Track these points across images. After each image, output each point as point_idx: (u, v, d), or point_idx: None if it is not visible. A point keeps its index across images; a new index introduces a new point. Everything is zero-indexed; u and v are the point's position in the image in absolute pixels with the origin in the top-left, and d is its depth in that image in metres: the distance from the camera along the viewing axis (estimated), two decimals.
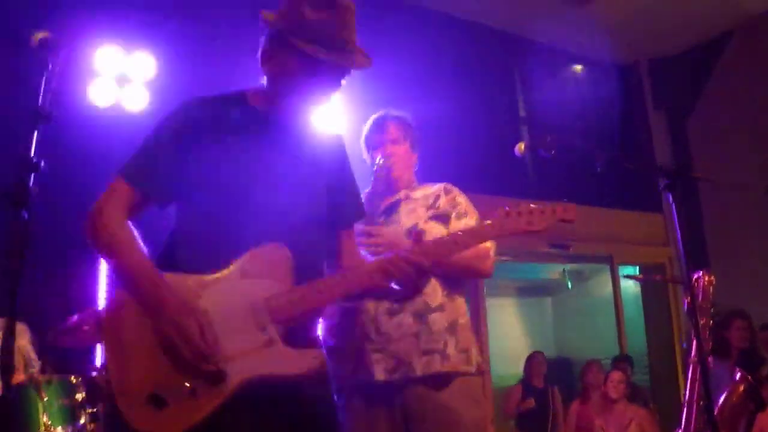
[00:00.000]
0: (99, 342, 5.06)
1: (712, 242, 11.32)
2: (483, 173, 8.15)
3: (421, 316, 3.52)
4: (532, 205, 2.68)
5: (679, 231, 3.74)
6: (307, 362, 2.39)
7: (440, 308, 3.57)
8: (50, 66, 2.31)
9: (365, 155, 3.94)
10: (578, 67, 11.71)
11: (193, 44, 6.96)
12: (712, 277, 5.02)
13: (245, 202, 2.48)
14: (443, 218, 3.72)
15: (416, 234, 2.67)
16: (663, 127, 11.94)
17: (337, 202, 2.72)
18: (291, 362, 2.37)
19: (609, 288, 11.21)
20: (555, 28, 10.55)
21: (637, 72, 11.88)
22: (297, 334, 2.44)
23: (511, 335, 12.77)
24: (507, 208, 2.65)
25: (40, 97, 2.29)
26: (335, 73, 2.56)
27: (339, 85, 2.59)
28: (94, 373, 5.03)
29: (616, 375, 8.08)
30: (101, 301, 5.80)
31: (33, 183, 2.22)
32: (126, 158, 2.54)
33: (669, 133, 11.89)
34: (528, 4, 9.88)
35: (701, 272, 5.04)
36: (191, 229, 2.52)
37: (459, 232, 2.70)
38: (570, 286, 12.80)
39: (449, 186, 3.90)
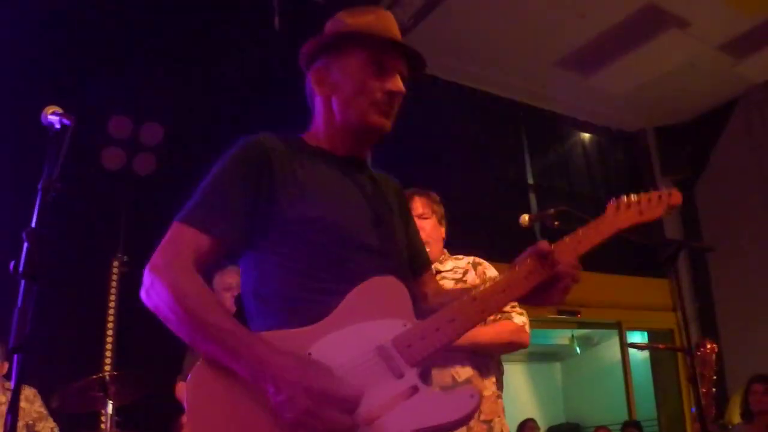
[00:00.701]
0: (105, 406, 4.84)
1: (721, 309, 11.40)
2: (491, 241, 8.24)
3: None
4: (635, 196, 2.48)
5: (681, 300, 3.82)
6: (465, 403, 1.93)
7: (467, 382, 3.59)
8: (58, 140, 2.27)
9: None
10: (586, 135, 11.88)
11: (199, 113, 7.06)
12: (715, 345, 5.08)
13: (348, 245, 2.13)
14: None
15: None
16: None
17: (414, 246, 2.46)
18: (447, 408, 1.92)
19: (618, 353, 11.26)
20: (562, 96, 10.77)
21: (645, 140, 12.03)
22: (428, 372, 2.10)
23: (521, 400, 12.77)
24: (614, 202, 2.44)
25: (46, 168, 2.25)
26: (399, 59, 2.31)
27: (402, 84, 2.29)
28: None
29: None
30: (107, 366, 5.76)
31: (42, 253, 2.15)
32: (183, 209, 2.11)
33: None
34: (535, 74, 10.11)
35: (705, 341, 5.10)
36: (281, 279, 2.10)
37: (579, 231, 2.33)
38: (579, 351, 12.83)
39: (478, 259, 3.95)
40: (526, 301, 2.27)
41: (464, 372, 3.61)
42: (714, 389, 4.95)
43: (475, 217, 8.69)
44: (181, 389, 5.53)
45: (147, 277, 1.98)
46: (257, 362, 1.83)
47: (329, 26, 2.37)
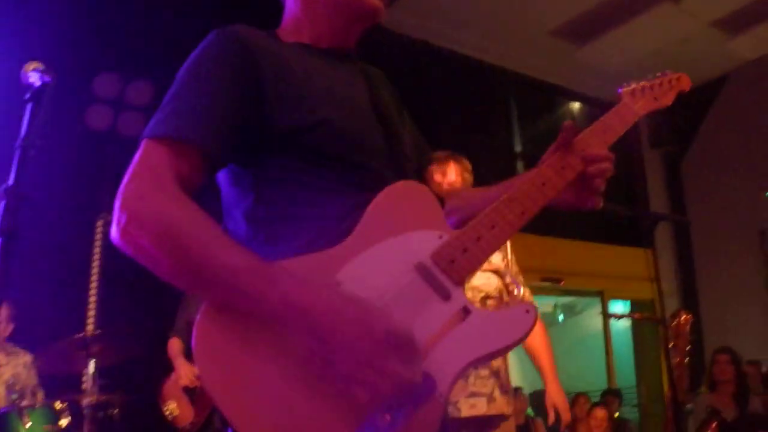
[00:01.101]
0: (87, 365, 4.67)
1: (702, 283, 11.54)
2: None
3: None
4: (646, 81, 2.21)
5: (657, 271, 3.90)
6: (520, 321, 1.63)
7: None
8: (40, 96, 2.11)
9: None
10: (576, 105, 11.91)
11: None
12: (690, 317, 5.17)
13: (358, 150, 1.78)
14: (498, 274, 3.94)
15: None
16: (658, 166, 12.13)
17: (415, 142, 2.09)
18: (504, 329, 1.63)
19: (600, 322, 11.37)
20: (554, 66, 10.79)
21: None
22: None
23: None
24: (627, 87, 2.17)
25: (25, 126, 2.07)
26: None
27: None
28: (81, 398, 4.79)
29: (600, 413, 8.19)
30: (89, 326, 5.71)
31: (20, 211, 1.96)
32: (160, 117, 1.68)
33: (664, 173, 12.08)
34: (528, 43, 10.14)
35: (680, 312, 5.19)
36: (286, 197, 1.73)
37: (601, 120, 2.04)
38: (562, 320, 12.92)
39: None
40: (560, 205, 1.91)
41: None
42: (687, 359, 5.05)
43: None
44: (174, 345, 5.56)
45: (121, 211, 1.55)
46: (288, 304, 1.47)
47: None
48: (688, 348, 5.07)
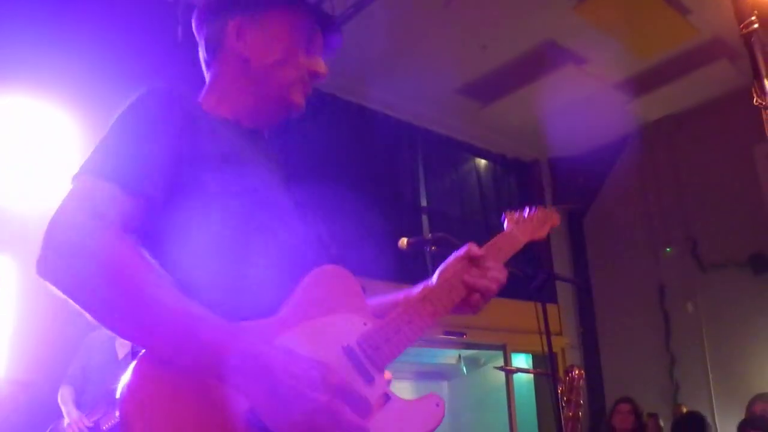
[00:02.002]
0: None
1: (603, 338, 11.82)
2: (382, 260, 8.38)
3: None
4: (526, 213, 2.60)
5: (547, 327, 4.05)
6: (433, 413, 1.79)
7: None
8: None
9: None
10: (481, 161, 12.14)
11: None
12: (582, 372, 5.33)
13: (281, 221, 1.82)
14: None
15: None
16: (561, 223, 12.35)
17: None
18: (419, 418, 1.75)
19: (503, 375, 11.52)
20: (459, 123, 11.04)
21: (538, 169, 12.35)
22: None
23: None
24: (509, 215, 2.55)
25: None
26: (325, 38, 2.11)
27: (323, 63, 2.08)
28: None
29: None
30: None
31: None
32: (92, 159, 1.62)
33: (567, 230, 12.33)
34: (434, 100, 10.37)
35: (573, 367, 5.35)
36: (210, 264, 1.67)
37: (494, 241, 2.34)
38: (465, 371, 13.03)
39: None
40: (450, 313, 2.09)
41: None
42: (580, 413, 5.20)
43: (368, 235, 8.82)
44: (65, 393, 5.57)
45: (54, 242, 1.47)
46: (247, 355, 1.44)
47: None
48: (581, 402, 5.21)
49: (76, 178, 1.58)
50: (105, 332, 5.60)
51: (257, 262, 1.71)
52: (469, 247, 2.14)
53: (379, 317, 1.86)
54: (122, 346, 5.66)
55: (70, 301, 1.45)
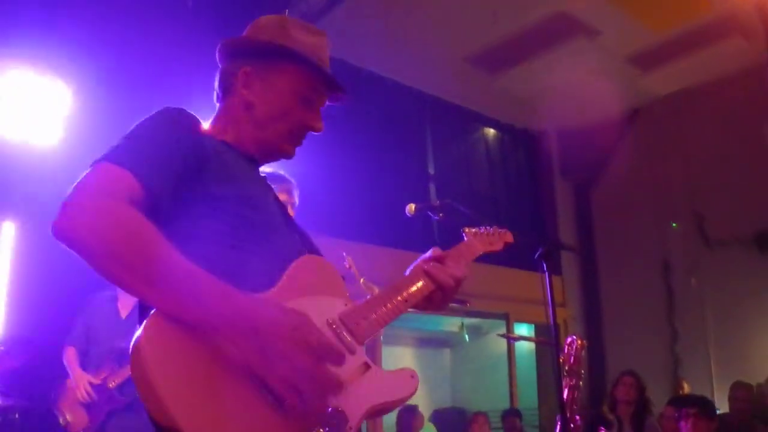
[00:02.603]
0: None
1: (606, 307, 11.84)
2: (389, 227, 8.42)
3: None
4: (483, 228, 2.84)
5: (552, 296, 4.07)
6: (409, 383, 2.03)
7: None
8: None
9: None
10: (490, 131, 12.13)
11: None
12: (584, 341, 5.36)
13: (271, 226, 2.06)
14: None
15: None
16: (568, 195, 12.38)
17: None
18: (395, 386, 1.99)
19: (505, 344, 11.58)
20: (467, 91, 11.04)
21: (547, 141, 12.33)
22: None
23: None
24: (471, 231, 2.76)
25: None
26: (326, 95, 2.30)
27: (321, 121, 2.27)
28: None
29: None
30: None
31: None
32: (116, 149, 1.82)
33: (574, 202, 12.34)
34: (444, 68, 10.31)
35: (574, 336, 5.38)
36: (205, 254, 1.81)
37: (456, 248, 2.58)
38: (468, 339, 13.10)
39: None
40: (416, 306, 2.33)
41: None
42: (581, 382, 5.24)
43: (375, 203, 8.86)
44: (69, 354, 5.61)
45: (73, 206, 1.64)
46: (237, 312, 1.61)
47: (269, 27, 2.26)
48: (582, 372, 5.25)
49: (96, 162, 1.76)
50: (106, 293, 5.68)
51: (251, 254, 1.94)
52: (434, 250, 2.37)
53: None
54: (125, 307, 5.68)
55: (85, 259, 1.61)
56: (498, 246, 2.85)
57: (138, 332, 1.57)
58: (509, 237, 2.94)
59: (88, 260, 1.61)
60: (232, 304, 1.62)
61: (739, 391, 7.75)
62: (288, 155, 2.28)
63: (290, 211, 4.08)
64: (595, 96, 10.49)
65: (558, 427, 5.18)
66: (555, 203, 12.22)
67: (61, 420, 5.44)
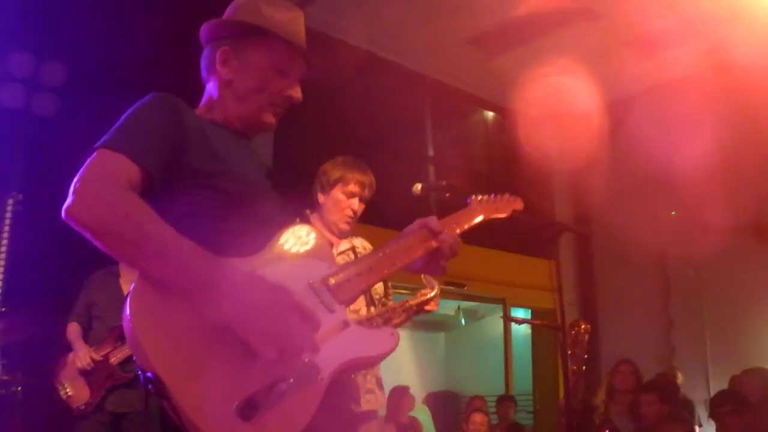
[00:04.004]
0: None
1: (601, 295, 11.81)
2: (387, 208, 8.35)
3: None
4: (492, 195, 2.91)
5: (559, 279, 4.02)
6: (388, 341, 2.16)
7: None
8: None
9: (334, 190, 4.22)
10: (488, 114, 12.06)
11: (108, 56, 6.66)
12: (588, 327, 5.32)
13: (255, 200, 2.23)
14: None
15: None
16: (565, 181, 12.32)
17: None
18: (373, 343, 2.16)
19: (501, 328, 11.57)
20: (467, 74, 10.94)
21: (544, 125, 12.20)
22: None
23: (404, 365, 12.98)
24: (477, 198, 2.84)
25: None
26: (302, 66, 2.44)
27: (299, 90, 2.43)
28: None
29: (478, 417, 8.31)
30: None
31: None
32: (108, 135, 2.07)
33: (570, 188, 12.27)
34: (444, 50, 10.25)
35: (579, 321, 5.34)
36: (193, 226, 2.02)
37: (455, 215, 2.72)
38: (464, 323, 13.09)
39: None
40: (414, 269, 2.53)
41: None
42: (584, 368, 5.20)
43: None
44: (72, 329, 5.62)
45: (79, 193, 1.89)
46: (217, 277, 1.85)
47: (243, 7, 2.42)
48: (585, 357, 5.21)
49: (95, 149, 2.02)
50: (108, 270, 5.67)
51: (235, 224, 2.14)
52: (429, 218, 2.51)
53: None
54: (127, 283, 5.68)
55: (91, 239, 1.88)
56: (505, 213, 2.91)
57: (129, 292, 1.85)
58: (519, 204, 2.97)
59: (94, 240, 1.88)
60: (213, 271, 1.85)
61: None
62: (269, 126, 2.45)
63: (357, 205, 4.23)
64: (594, 81, 10.41)
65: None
66: (552, 189, 12.16)
67: (62, 393, 5.51)
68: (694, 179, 10.50)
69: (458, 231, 2.62)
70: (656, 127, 10.92)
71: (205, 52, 2.45)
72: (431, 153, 10.92)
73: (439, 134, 11.13)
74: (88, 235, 1.88)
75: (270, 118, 2.42)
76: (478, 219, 2.77)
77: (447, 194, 3.56)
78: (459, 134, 11.51)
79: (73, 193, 1.89)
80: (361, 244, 4.33)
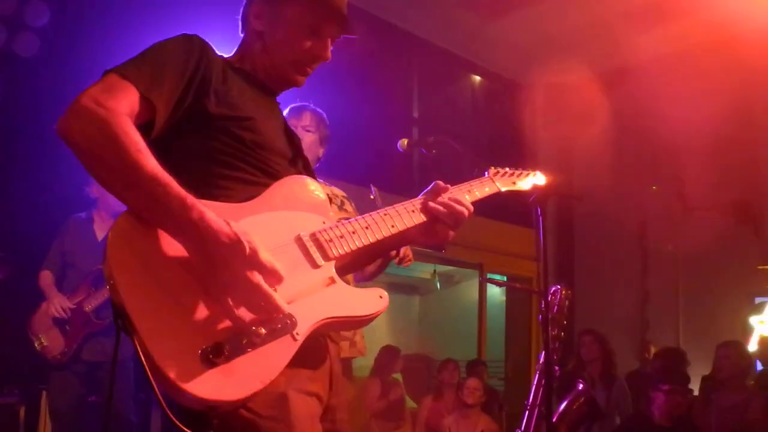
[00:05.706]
0: None
1: (579, 262, 11.83)
2: (369, 168, 8.29)
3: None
4: (512, 169, 2.85)
5: (545, 242, 3.98)
6: (376, 302, 2.10)
7: None
8: None
9: None
10: (476, 78, 11.98)
11: None
12: (569, 292, 5.27)
13: (268, 146, 2.22)
14: None
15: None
16: (550, 148, 12.29)
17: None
18: (360, 303, 2.08)
19: (476, 294, 11.56)
20: (456, 36, 10.83)
21: (533, 92, 12.17)
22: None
23: (375, 328, 12.97)
24: (496, 170, 2.77)
25: None
26: (335, 29, 2.43)
27: (329, 50, 2.43)
28: None
29: (473, 382, 8.26)
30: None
31: None
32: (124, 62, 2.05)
33: (556, 155, 12.24)
34: (433, 11, 10.15)
35: (559, 286, 5.29)
36: (200, 168, 2.11)
37: (468, 183, 2.63)
38: (439, 287, 13.09)
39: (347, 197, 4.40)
40: (416, 240, 2.51)
41: None
42: (563, 333, 5.15)
43: (356, 141, 8.71)
44: (45, 277, 5.55)
45: (74, 110, 1.88)
46: (190, 221, 1.82)
47: None
48: (564, 322, 5.17)
49: (106, 72, 1.99)
50: (82, 215, 5.60)
51: (238, 171, 2.13)
52: (437, 182, 2.44)
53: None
54: (101, 229, 5.61)
55: (76, 156, 1.86)
56: (525, 186, 2.85)
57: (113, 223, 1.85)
58: (541, 178, 2.91)
59: (78, 158, 1.85)
60: (187, 214, 1.81)
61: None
62: (296, 83, 2.45)
63: (305, 135, 4.17)
64: (589, 51, 10.35)
65: (537, 375, 5.13)
66: (536, 155, 12.12)
67: (36, 344, 5.45)
68: (680, 155, 10.51)
69: (469, 199, 2.51)
70: (647, 101, 10.87)
71: (244, 5, 2.47)
72: (416, 114, 10.86)
73: (425, 96, 11.04)
74: (74, 153, 1.86)
75: (295, 76, 2.42)
76: (491, 190, 2.69)
77: (434, 150, 3.53)
78: (446, 97, 11.42)
79: (69, 108, 1.88)
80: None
